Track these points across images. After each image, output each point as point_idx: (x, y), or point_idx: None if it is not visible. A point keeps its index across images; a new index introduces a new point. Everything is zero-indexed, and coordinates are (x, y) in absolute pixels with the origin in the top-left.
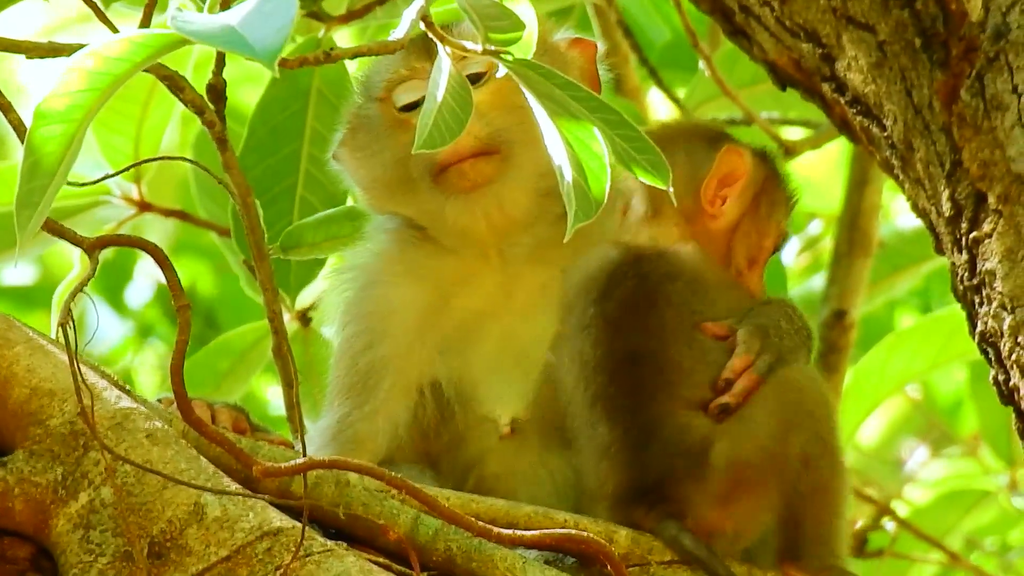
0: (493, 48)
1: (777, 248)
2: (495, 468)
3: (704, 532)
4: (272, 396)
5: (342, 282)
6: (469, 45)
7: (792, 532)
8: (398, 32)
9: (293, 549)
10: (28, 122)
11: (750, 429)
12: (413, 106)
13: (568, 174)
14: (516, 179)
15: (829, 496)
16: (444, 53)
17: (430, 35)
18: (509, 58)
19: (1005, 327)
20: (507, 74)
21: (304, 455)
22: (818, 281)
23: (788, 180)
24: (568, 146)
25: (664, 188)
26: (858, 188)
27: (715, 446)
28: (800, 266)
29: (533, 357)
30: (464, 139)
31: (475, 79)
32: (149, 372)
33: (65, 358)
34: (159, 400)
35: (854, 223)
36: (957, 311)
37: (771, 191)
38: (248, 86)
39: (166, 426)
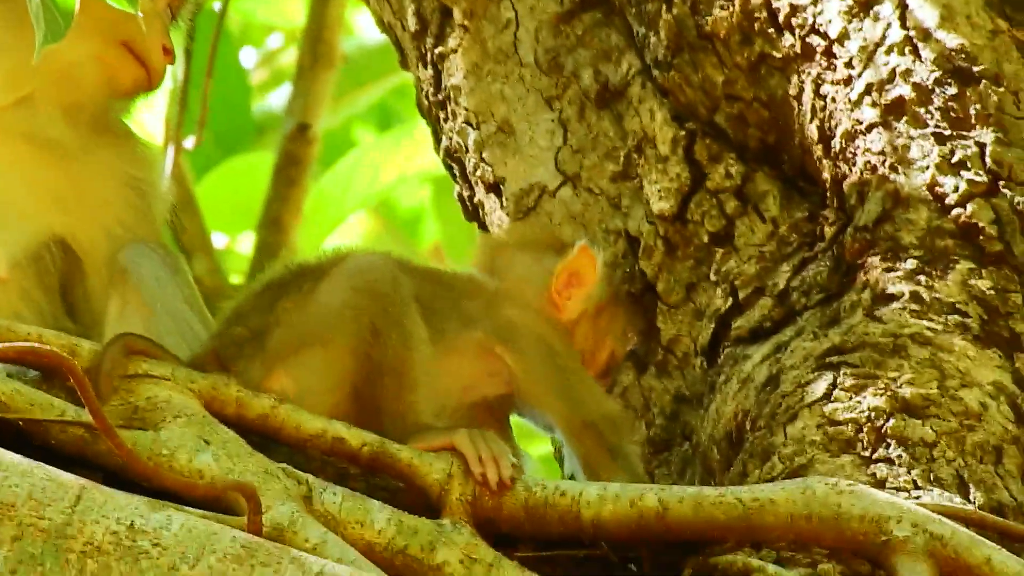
0: None
1: (607, 371)
2: None
3: (251, 387)
4: None
5: None
6: None
7: (372, 406)
8: None
9: None
10: None
11: (317, 304)
12: None
13: None
14: None
15: (402, 369)
16: None
17: None
18: None
19: (470, 143)
20: None
21: None
22: (279, 97)
23: (631, 315)
24: None
25: (133, 12)
26: (321, 1)
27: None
28: (261, 81)
29: (23, 206)
30: None
31: None
32: None
33: None
34: None
35: (318, 36)
36: (421, 126)
37: (612, 311)
38: None
39: None
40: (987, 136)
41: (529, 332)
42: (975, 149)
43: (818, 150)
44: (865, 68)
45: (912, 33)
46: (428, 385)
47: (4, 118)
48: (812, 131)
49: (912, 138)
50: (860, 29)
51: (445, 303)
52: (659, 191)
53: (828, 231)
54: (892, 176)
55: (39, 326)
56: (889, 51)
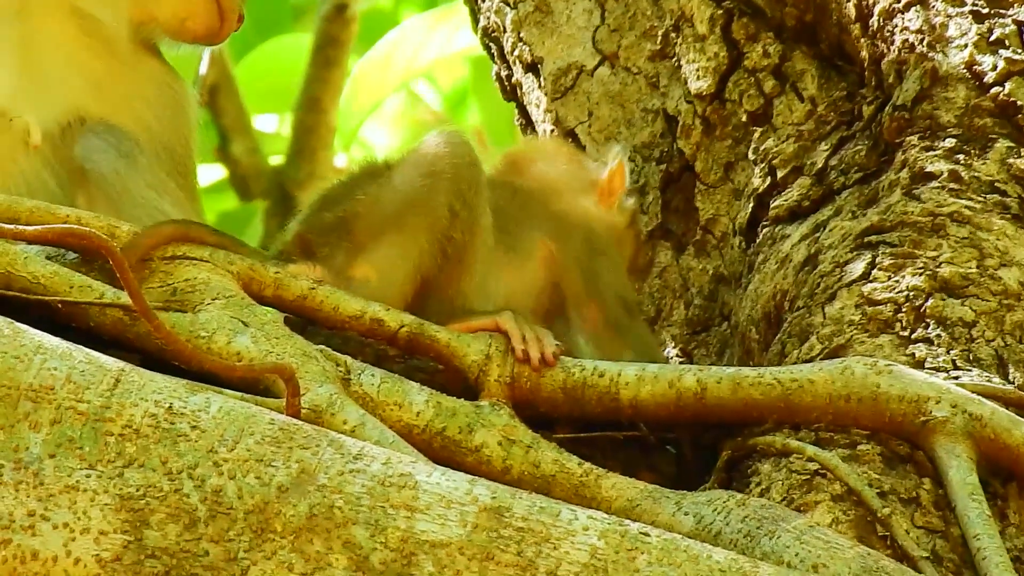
0: None
1: (645, 273)
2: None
3: (335, 273)
4: None
5: None
6: None
7: (439, 292)
8: None
9: None
10: None
11: (396, 186)
12: None
13: None
14: None
15: (462, 255)
16: None
17: None
18: None
19: (508, 22)
20: None
21: None
22: None
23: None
24: None
25: None
26: None
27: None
28: None
29: (64, 81)
30: None
31: None
32: None
33: None
34: None
35: None
36: (459, 6)
37: (637, 222)
38: None
39: None
40: None
41: (575, 221)
42: (1013, 27)
43: (856, 29)
44: None
45: None
46: (481, 274)
47: None
48: (850, 9)
49: (950, 16)
50: None
51: (513, 207)
52: (697, 70)
53: (866, 110)
54: (930, 54)
55: (60, 196)
56: None
